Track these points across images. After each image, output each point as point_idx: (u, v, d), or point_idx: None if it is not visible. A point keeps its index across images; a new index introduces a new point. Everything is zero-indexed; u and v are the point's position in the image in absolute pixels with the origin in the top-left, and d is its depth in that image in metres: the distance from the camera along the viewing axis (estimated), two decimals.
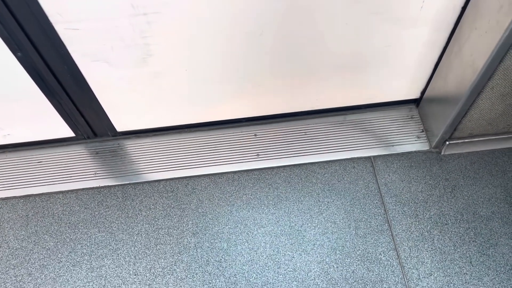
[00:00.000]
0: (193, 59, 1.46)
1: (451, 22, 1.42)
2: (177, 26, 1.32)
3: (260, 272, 1.50)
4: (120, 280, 1.51)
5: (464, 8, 1.35)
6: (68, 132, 1.75)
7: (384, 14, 1.38)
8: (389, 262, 1.50)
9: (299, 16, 1.34)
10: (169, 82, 1.55)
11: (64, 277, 1.53)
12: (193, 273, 1.51)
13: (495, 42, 1.20)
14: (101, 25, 1.29)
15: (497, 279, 1.46)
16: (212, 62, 1.48)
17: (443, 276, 1.47)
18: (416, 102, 1.80)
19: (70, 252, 1.58)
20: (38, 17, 1.24)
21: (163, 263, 1.54)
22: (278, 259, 1.53)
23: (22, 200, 1.69)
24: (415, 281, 1.46)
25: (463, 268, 1.48)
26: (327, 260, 1.52)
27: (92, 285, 1.51)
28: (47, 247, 1.59)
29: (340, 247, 1.54)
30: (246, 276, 1.50)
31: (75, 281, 1.52)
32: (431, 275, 1.47)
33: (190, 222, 1.61)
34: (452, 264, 1.49)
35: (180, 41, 1.38)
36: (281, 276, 1.49)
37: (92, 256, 1.56)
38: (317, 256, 1.52)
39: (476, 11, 1.28)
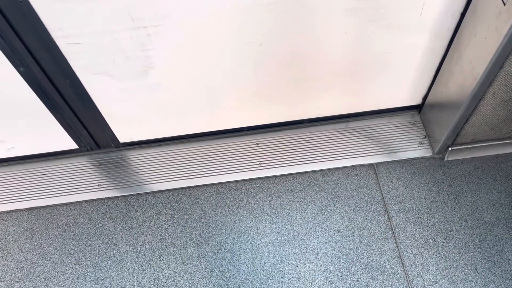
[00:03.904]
0: (194, 70, 1.47)
1: (450, 28, 1.42)
2: (177, 38, 1.33)
3: (264, 282, 1.50)
4: None
5: (463, 15, 1.35)
6: (72, 144, 1.76)
7: (384, 22, 1.38)
8: (393, 270, 1.49)
9: (298, 26, 1.35)
10: (170, 93, 1.55)
11: None
12: (197, 284, 1.51)
13: (495, 48, 1.20)
14: (102, 39, 1.30)
15: (503, 286, 1.44)
16: (212, 72, 1.49)
17: (448, 284, 1.45)
18: (418, 108, 1.80)
19: (74, 264, 1.58)
20: (40, 33, 1.26)
21: (167, 274, 1.54)
22: (282, 268, 1.52)
23: (27, 213, 1.70)
24: None
25: (469, 275, 1.47)
26: (331, 269, 1.51)
27: None
28: (51, 260, 1.60)
29: (344, 256, 1.53)
30: (250, 286, 1.50)
31: None
32: (436, 283, 1.46)
33: (194, 232, 1.61)
34: (457, 272, 1.48)
35: (181, 52, 1.39)
36: (285, 285, 1.49)
37: (97, 268, 1.57)
38: (321, 265, 1.52)
39: (475, 18, 1.28)
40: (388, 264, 1.50)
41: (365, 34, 1.42)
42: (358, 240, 1.56)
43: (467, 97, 1.38)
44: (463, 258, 1.50)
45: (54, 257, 1.60)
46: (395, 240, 1.55)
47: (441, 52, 1.52)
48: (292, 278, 1.50)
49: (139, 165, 1.77)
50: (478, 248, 1.51)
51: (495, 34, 1.19)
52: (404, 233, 1.56)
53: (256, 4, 1.26)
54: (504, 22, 1.14)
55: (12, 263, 1.60)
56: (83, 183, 1.75)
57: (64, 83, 1.46)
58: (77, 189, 1.74)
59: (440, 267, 1.49)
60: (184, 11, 1.25)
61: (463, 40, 1.37)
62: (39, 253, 1.61)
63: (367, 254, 1.53)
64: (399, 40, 1.45)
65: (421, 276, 1.47)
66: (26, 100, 1.50)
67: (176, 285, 1.51)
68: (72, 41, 1.30)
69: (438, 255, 1.51)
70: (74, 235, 1.64)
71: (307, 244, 1.56)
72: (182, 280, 1.52)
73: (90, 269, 1.57)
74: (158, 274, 1.54)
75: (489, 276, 1.46)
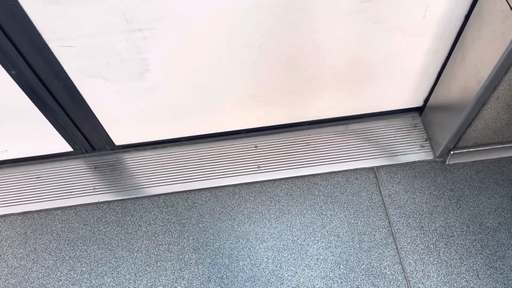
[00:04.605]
0: (191, 73, 1.43)
1: (454, 30, 1.39)
2: (173, 41, 1.29)
3: None
4: None
5: (467, 17, 1.32)
6: (66, 147, 1.72)
7: (386, 24, 1.34)
8: (394, 277, 1.47)
9: (299, 28, 1.31)
10: (167, 95, 1.52)
11: None
12: None
13: (500, 53, 1.17)
14: (96, 41, 1.26)
15: None
16: (210, 75, 1.45)
17: None
18: (419, 110, 1.77)
19: (69, 270, 1.55)
20: (31, 35, 1.21)
21: (164, 281, 1.51)
22: (281, 274, 1.50)
23: (21, 217, 1.67)
24: None
25: (470, 282, 1.45)
26: (331, 275, 1.49)
27: None
28: (46, 265, 1.57)
29: (344, 262, 1.51)
30: None
31: None
32: None
33: (191, 237, 1.58)
34: (459, 278, 1.45)
35: (177, 55, 1.35)
36: None
37: (92, 274, 1.54)
38: (321, 271, 1.49)
39: (480, 21, 1.25)
40: (388, 270, 1.48)
41: (366, 36, 1.38)
42: (358, 245, 1.53)
43: (471, 101, 1.35)
44: (464, 264, 1.48)
45: (48, 262, 1.57)
46: (396, 245, 1.52)
47: (443, 55, 1.48)
48: (291, 285, 1.48)
49: (135, 168, 1.74)
50: (480, 254, 1.49)
51: (501, 39, 1.15)
52: (405, 239, 1.53)
53: (255, 6, 1.22)
54: (510, 26, 1.11)
55: (5, 269, 1.57)
56: (78, 187, 1.71)
57: (58, 86, 1.42)
58: (71, 193, 1.70)
59: (441, 273, 1.46)
60: (181, 14, 1.21)
61: (467, 43, 1.33)
62: (33, 259, 1.58)
63: (368, 260, 1.50)
64: (401, 42, 1.42)
65: (422, 283, 1.45)
66: (19, 103, 1.46)
67: None
68: (65, 44, 1.26)
69: (440, 261, 1.49)
70: (69, 240, 1.61)
71: (307, 250, 1.53)
72: (180, 287, 1.49)
73: (86, 275, 1.54)
74: (155, 281, 1.51)
75: (491, 282, 1.44)
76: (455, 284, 1.45)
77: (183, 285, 1.50)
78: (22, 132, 1.62)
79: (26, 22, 1.17)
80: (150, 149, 1.78)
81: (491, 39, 1.20)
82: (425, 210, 1.58)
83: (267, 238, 1.56)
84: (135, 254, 1.56)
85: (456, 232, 1.54)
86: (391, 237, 1.54)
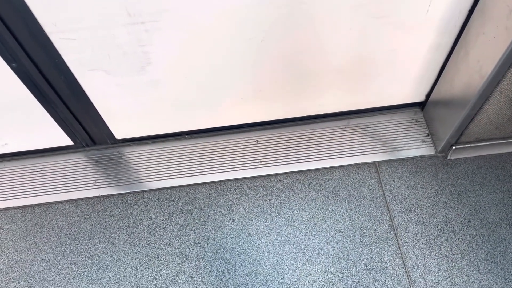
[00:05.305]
0: (193, 67, 1.43)
1: (457, 25, 1.38)
2: (176, 34, 1.28)
3: (264, 283, 1.48)
4: None
5: (471, 12, 1.31)
6: (67, 141, 1.72)
7: (389, 18, 1.34)
8: (395, 271, 1.47)
9: (302, 22, 1.31)
10: (169, 89, 1.51)
11: None
12: (196, 284, 1.49)
13: (504, 48, 1.16)
14: (97, 34, 1.25)
15: (506, 287, 1.43)
16: (212, 69, 1.45)
17: (450, 285, 1.44)
18: (421, 105, 1.77)
19: (70, 263, 1.55)
20: (32, 28, 1.20)
21: (165, 275, 1.51)
22: (282, 269, 1.50)
23: (21, 211, 1.67)
24: None
25: (471, 277, 1.45)
26: (332, 269, 1.49)
27: None
28: (47, 259, 1.56)
29: (345, 256, 1.51)
30: (250, 286, 1.47)
31: None
32: (438, 284, 1.44)
33: (192, 231, 1.58)
34: (460, 273, 1.46)
35: (180, 49, 1.34)
36: (285, 286, 1.47)
37: (93, 268, 1.54)
38: (322, 266, 1.50)
39: (484, 16, 1.24)
40: (389, 265, 1.48)
41: (369, 31, 1.37)
42: (359, 240, 1.53)
43: (474, 96, 1.35)
44: (465, 259, 1.48)
45: (49, 256, 1.57)
46: (397, 240, 1.53)
47: (446, 49, 1.48)
48: (292, 279, 1.48)
49: (136, 162, 1.74)
50: (481, 249, 1.50)
51: (505, 34, 1.15)
52: (406, 233, 1.54)
53: (258, 0, 1.21)
54: None
55: (6, 263, 1.56)
56: (79, 181, 1.71)
57: (58, 79, 1.41)
58: (72, 187, 1.70)
59: (442, 268, 1.47)
60: (184, 7, 1.20)
61: (471, 38, 1.33)
62: (34, 252, 1.58)
63: (369, 254, 1.51)
64: (404, 37, 1.41)
65: (423, 277, 1.46)
66: (19, 96, 1.45)
67: (174, 286, 1.49)
68: (67, 37, 1.25)
69: (441, 256, 1.49)
70: (69, 234, 1.61)
71: (308, 244, 1.54)
72: (181, 281, 1.50)
73: (87, 269, 1.54)
74: (156, 275, 1.51)
75: (491, 277, 1.45)
76: (456, 279, 1.45)
77: (184, 279, 1.50)
78: (22, 126, 1.61)
79: (27, 14, 1.16)
80: (151, 143, 1.77)
81: (495, 34, 1.19)
82: (426, 205, 1.59)
83: (268, 233, 1.56)
84: (136, 248, 1.56)
85: (457, 227, 1.54)
86: (392, 232, 1.54)
